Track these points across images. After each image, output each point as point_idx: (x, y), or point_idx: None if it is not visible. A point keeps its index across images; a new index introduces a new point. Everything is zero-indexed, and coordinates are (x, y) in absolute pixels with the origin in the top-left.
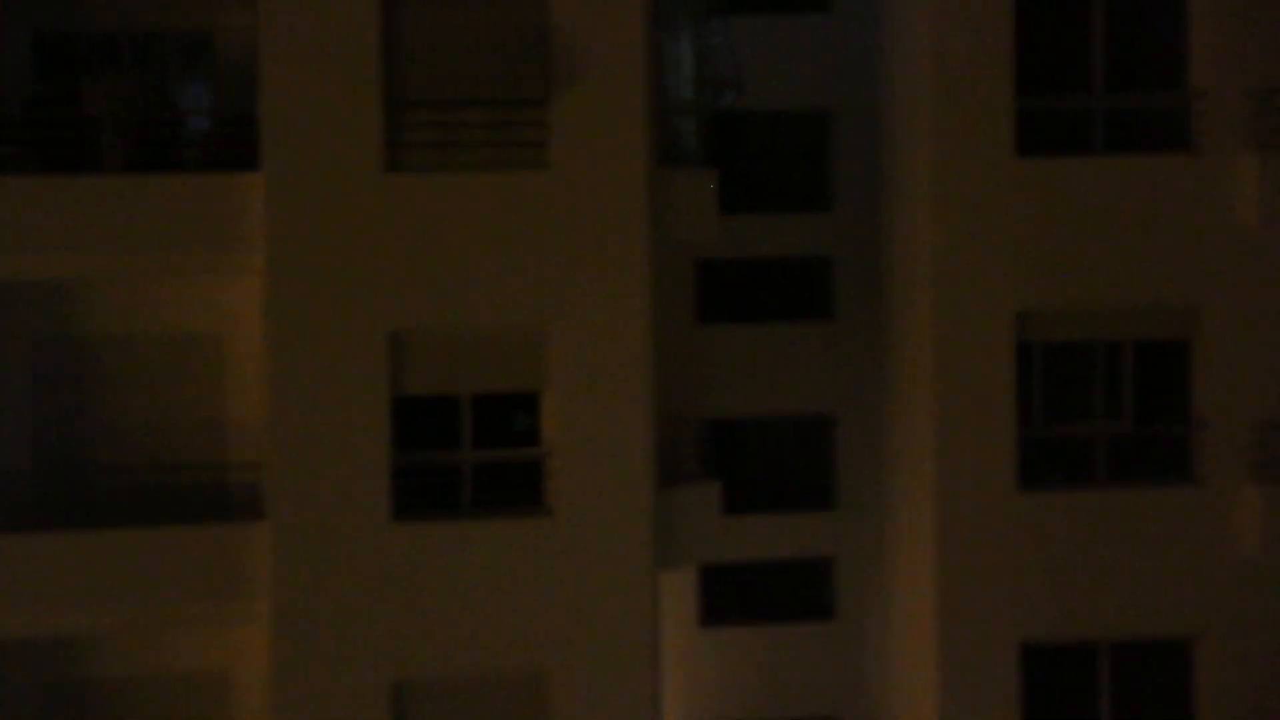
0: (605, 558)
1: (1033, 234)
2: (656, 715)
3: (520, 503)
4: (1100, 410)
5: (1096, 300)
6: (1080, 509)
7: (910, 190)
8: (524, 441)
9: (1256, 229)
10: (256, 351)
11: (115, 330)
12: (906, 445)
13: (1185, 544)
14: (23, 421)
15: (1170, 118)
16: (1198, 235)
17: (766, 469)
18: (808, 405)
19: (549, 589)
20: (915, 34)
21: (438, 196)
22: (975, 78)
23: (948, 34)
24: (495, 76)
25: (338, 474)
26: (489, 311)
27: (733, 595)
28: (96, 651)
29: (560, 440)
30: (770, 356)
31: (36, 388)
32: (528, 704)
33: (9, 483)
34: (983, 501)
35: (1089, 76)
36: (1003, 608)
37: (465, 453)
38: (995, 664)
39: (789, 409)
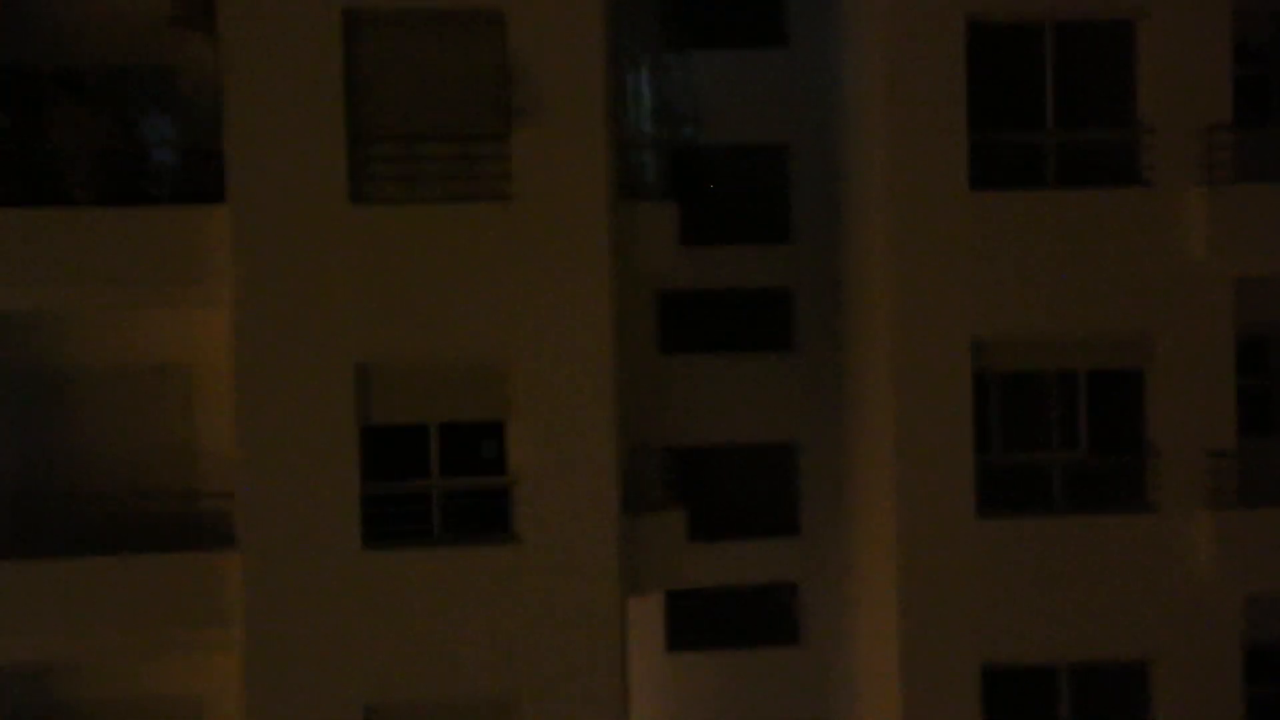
0: (572, 584)
1: (988, 265)
2: None
3: (488, 530)
4: (1056, 438)
5: (1051, 330)
6: (1038, 535)
7: (868, 222)
8: (491, 470)
9: (1205, 261)
10: (227, 381)
11: (87, 361)
12: (867, 472)
13: (1141, 569)
14: None
15: (1120, 152)
16: (1148, 267)
17: (731, 496)
18: (770, 433)
19: (517, 615)
20: (871, 69)
21: (402, 228)
22: (930, 112)
23: (903, 69)
24: (457, 110)
25: (307, 502)
26: (454, 342)
27: (699, 620)
28: (72, 677)
29: (526, 468)
30: (733, 385)
31: (10, 418)
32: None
33: None
34: (942, 528)
35: (1041, 111)
36: (963, 632)
37: (433, 481)
38: (957, 687)
39: (752, 437)
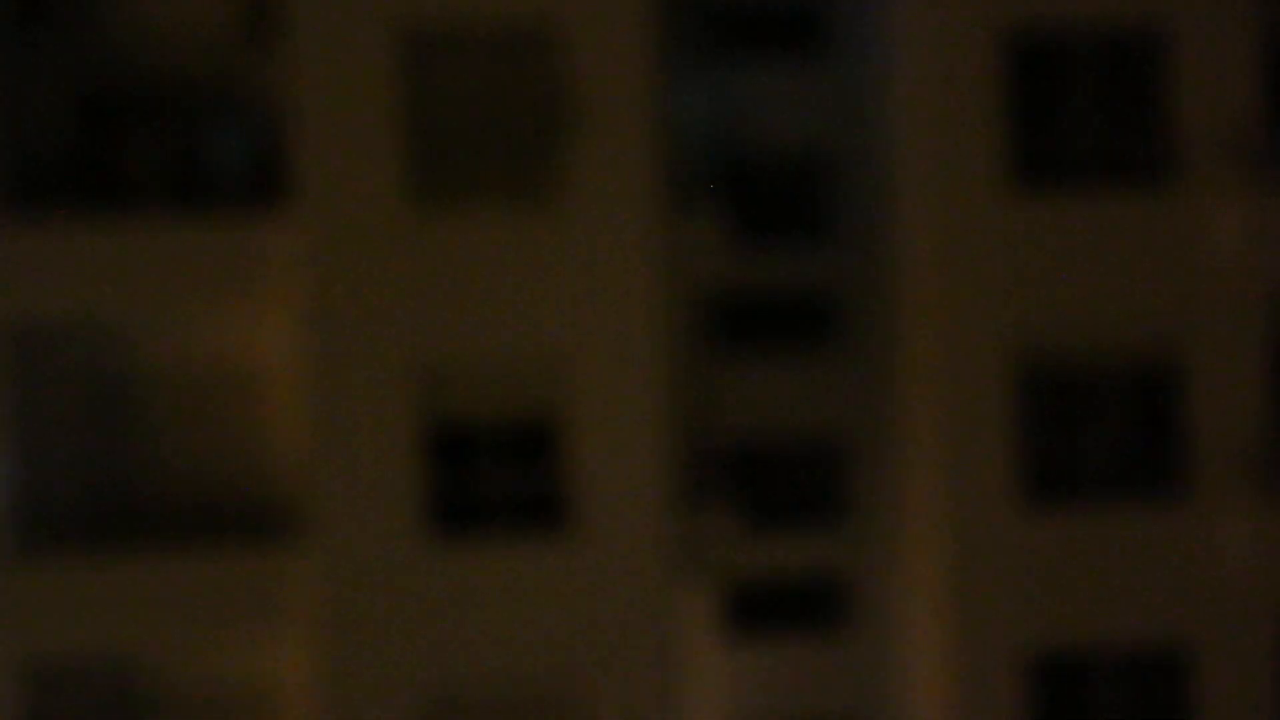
0: (628, 576)
1: (1027, 265)
2: None
3: (547, 524)
4: (1098, 432)
5: (1090, 327)
6: (1080, 527)
7: (908, 223)
8: (550, 466)
9: (1239, 260)
10: (293, 382)
11: (158, 364)
12: (913, 466)
13: (1181, 559)
14: (74, 452)
15: (1158, 157)
16: (1185, 267)
17: (781, 489)
18: (819, 427)
19: (574, 607)
20: (910, 72)
21: (461, 236)
22: (968, 116)
23: (941, 74)
24: (514, 121)
25: (375, 499)
26: (513, 343)
27: (750, 611)
28: (144, 669)
29: (584, 464)
30: (783, 381)
31: (87, 420)
32: (561, 714)
33: (62, 511)
34: (987, 520)
35: (1079, 116)
36: (1008, 622)
37: (494, 476)
38: (1001, 676)
39: (801, 431)
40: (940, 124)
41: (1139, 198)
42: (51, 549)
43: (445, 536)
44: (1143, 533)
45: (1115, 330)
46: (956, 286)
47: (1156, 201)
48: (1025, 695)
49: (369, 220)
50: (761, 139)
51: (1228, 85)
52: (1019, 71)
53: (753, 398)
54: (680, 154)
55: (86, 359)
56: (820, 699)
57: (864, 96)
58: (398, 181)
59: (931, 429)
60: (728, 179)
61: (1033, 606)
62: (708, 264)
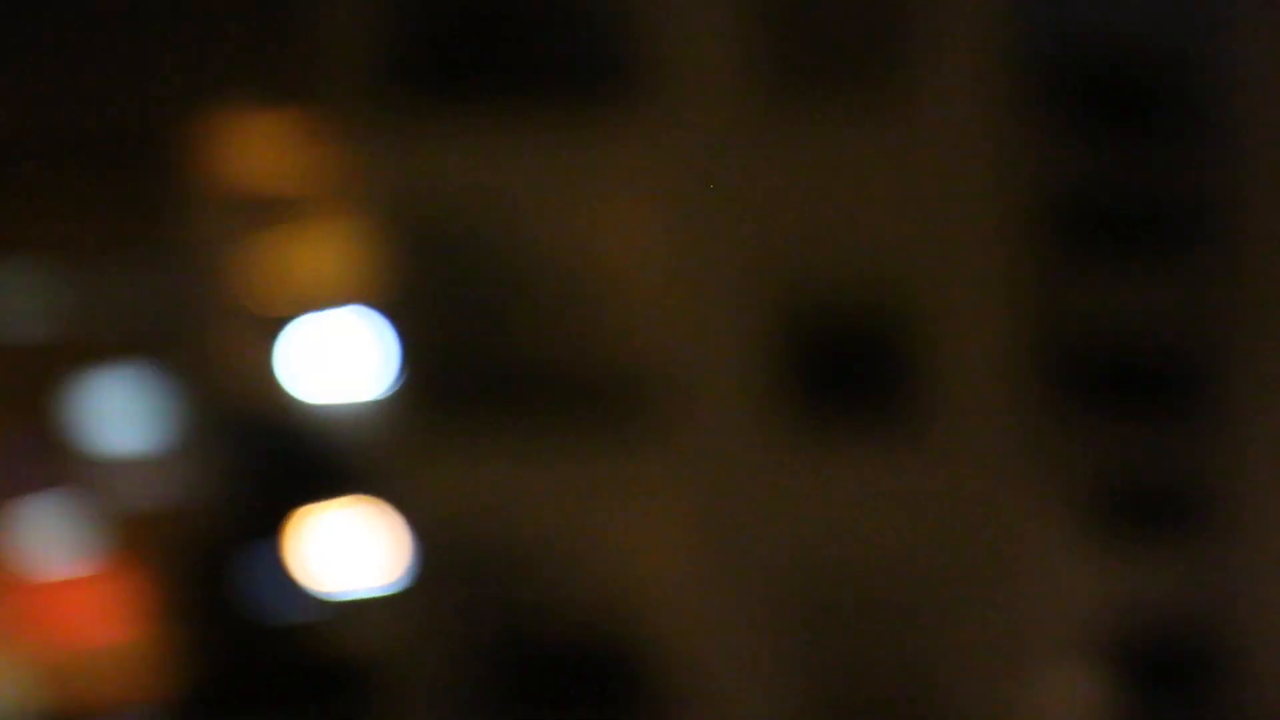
0: (980, 478)
1: None
2: (1025, 629)
3: (900, 425)
4: None
5: None
6: None
7: (1267, 127)
8: (903, 366)
9: None
10: (652, 275)
11: (526, 252)
12: (1269, 373)
13: None
14: (451, 333)
15: None
16: None
17: (1136, 394)
18: (1174, 332)
19: (925, 508)
20: None
21: (812, 133)
22: None
23: None
24: (862, 18)
25: (732, 395)
26: (859, 250)
27: (1105, 515)
28: (523, 538)
29: (937, 365)
30: (1135, 285)
31: (463, 303)
32: (911, 615)
33: (442, 389)
34: None
35: None
36: None
37: (847, 376)
38: None
39: (1155, 336)
40: None
41: None
42: (433, 425)
43: (799, 433)
44: None
45: None
46: None
47: None
48: None
49: (722, 116)
50: (1112, 39)
51: None
52: None
53: (1105, 302)
54: (1029, 56)
55: (462, 244)
56: (1174, 604)
57: None
58: (750, 79)
59: None
60: (1077, 81)
61: None
62: (1058, 166)
